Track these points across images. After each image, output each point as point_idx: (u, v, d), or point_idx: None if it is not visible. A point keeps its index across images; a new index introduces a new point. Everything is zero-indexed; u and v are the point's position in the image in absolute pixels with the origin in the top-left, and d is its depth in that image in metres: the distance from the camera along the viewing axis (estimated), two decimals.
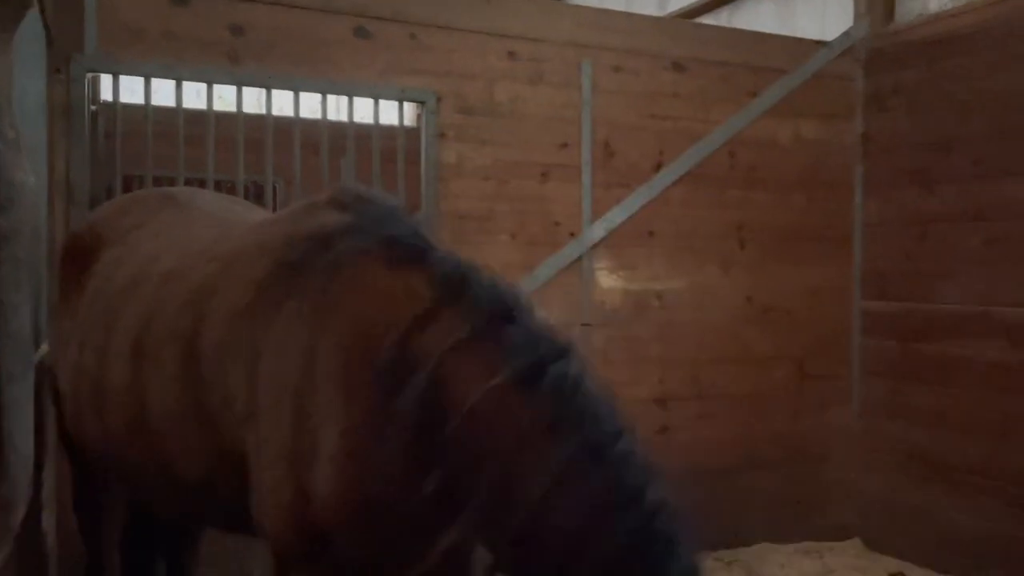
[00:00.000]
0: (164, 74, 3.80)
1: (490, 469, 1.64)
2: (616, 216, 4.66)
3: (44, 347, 2.91)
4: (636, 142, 4.74)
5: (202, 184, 3.87)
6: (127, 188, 3.97)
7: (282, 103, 4.14)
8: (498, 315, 1.77)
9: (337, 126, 4.24)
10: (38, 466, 2.44)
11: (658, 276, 4.79)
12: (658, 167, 4.79)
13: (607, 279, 4.67)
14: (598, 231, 4.63)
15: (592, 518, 1.59)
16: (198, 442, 2.04)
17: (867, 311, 5.19)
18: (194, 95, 4.05)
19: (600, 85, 4.64)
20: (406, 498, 1.74)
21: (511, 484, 1.62)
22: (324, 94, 4.08)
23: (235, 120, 3.96)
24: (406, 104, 4.32)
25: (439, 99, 4.28)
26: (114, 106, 3.76)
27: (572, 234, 4.58)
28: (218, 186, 3.87)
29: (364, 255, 1.88)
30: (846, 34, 5.21)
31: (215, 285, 2.07)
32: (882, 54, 5.10)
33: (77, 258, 2.64)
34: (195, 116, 3.96)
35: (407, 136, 4.28)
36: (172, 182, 3.85)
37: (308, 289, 1.88)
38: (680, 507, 1.66)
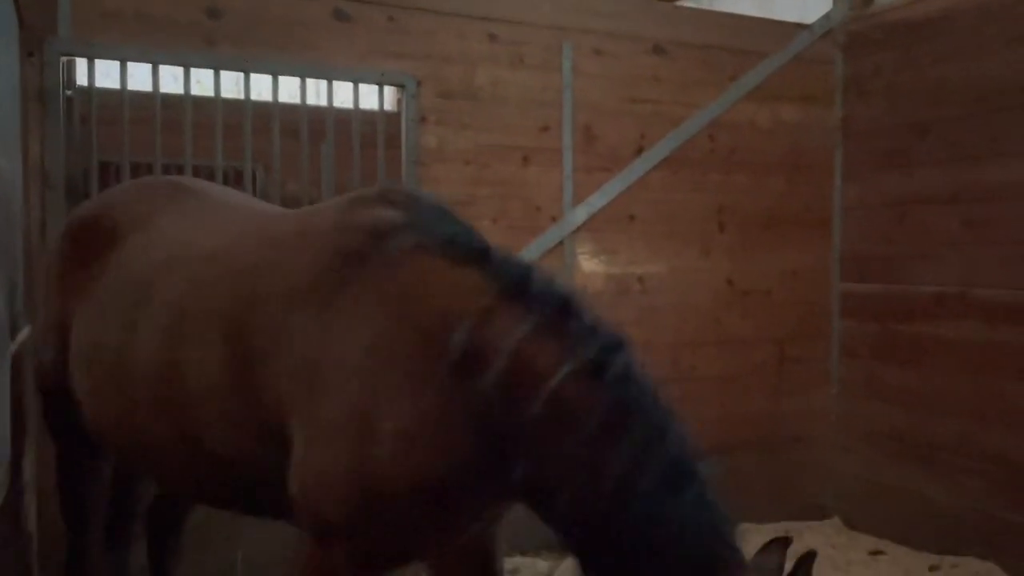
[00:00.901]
0: (140, 58, 3.76)
1: (578, 450, 1.77)
2: (597, 200, 4.67)
3: (25, 331, 2.89)
4: (617, 126, 4.74)
5: (180, 170, 3.84)
6: (103, 174, 3.93)
7: (260, 88, 4.10)
8: (559, 310, 1.89)
9: (317, 111, 4.20)
10: (17, 451, 2.42)
11: (639, 260, 4.80)
12: (639, 151, 4.79)
13: (588, 263, 4.68)
14: (579, 215, 4.63)
15: (662, 491, 1.76)
16: (237, 418, 2.09)
17: (846, 293, 5.24)
18: (171, 80, 4.00)
19: (581, 68, 4.64)
20: (465, 478, 1.89)
21: (597, 464, 1.76)
22: (303, 78, 4.05)
23: (213, 105, 3.93)
24: (386, 89, 4.29)
25: (419, 83, 4.26)
26: (89, 90, 3.72)
27: (553, 218, 4.58)
28: (196, 172, 3.83)
29: (427, 251, 1.97)
30: (826, 17, 5.23)
31: (264, 268, 2.13)
32: (861, 37, 5.12)
33: (89, 242, 2.63)
34: (172, 101, 3.91)
35: (387, 121, 4.26)
36: (149, 168, 3.82)
37: (372, 279, 1.96)
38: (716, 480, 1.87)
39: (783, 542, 1.87)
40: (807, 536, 4.90)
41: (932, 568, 4.40)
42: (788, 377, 5.18)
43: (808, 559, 1.81)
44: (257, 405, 2.05)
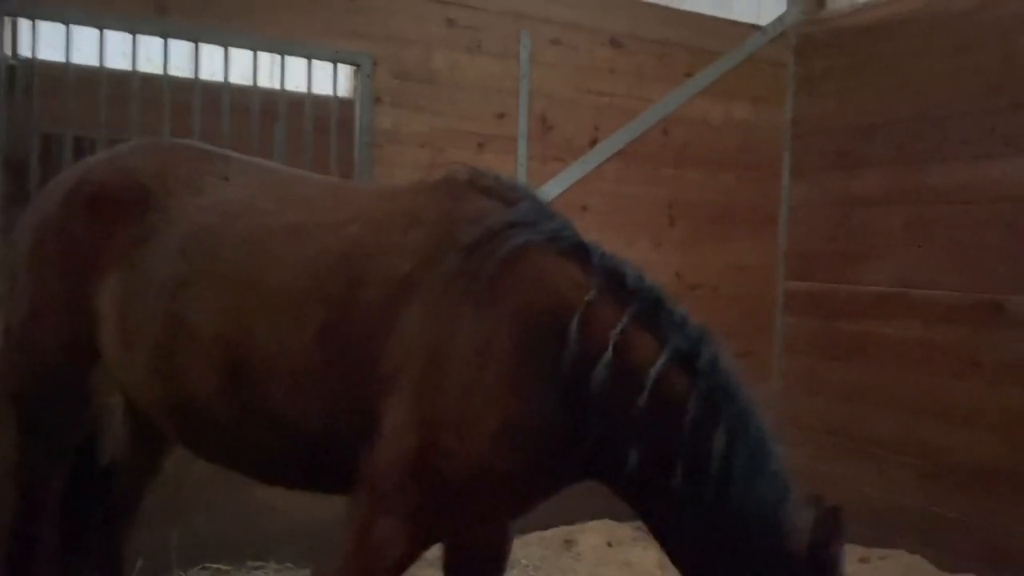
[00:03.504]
0: (87, 21, 3.64)
1: (682, 436, 1.96)
2: (551, 190, 4.67)
3: None
4: (572, 116, 4.75)
5: None
6: (45, 147, 3.79)
7: (213, 69, 4.00)
8: (652, 303, 2.07)
9: (270, 92, 4.12)
10: None
11: None
12: (593, 142, 4.81)
13: None
14: None
15: (752, 469, 1.98)
16: (325, 396, 2.12)
17: (790, 290, 5.34)
18: (120, 57, 3.88)
19: (538, 57, 4.63)
20: (562, 466, 2.07)
21: (700, 448, 1.96)
22: (255, 51, 3.96)
23: (161, 82, 3.81)
24: (341, 71, 4.23)
25: (375, 63, 4.21)
26: (32, 59, 3.59)
27: None
28: None
29: (536, 248, 2.09)
30: (779, 19, 5.32)
31: (370, 251, 2.15)
32: (813, 40, 5.22)
33: (115, 211, 2.44)
34: (120, 77, 3.78)
35: (342, 105, 4.20)
36: (92, 143, 3.71)
37: (481, 273, 2.04)
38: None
39: (836, 511, 2.01)
40: None
41: (862, 560, 4.51)
42: None
43: (834, 513, 2.00)
44: (352, 386, 2.09)
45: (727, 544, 2.00)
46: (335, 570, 2.10)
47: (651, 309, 2.06)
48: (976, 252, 4.27)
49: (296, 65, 4.13)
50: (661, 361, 1.98)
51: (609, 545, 4.54)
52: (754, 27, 5.30)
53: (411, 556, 2.11)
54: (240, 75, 4.06)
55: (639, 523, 4.79)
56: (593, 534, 4.62)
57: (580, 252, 2.13)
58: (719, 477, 1.96)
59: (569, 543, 4.53)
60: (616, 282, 2.08)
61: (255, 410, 2.21)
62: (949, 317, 4.37)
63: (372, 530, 2.06)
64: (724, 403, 2.00)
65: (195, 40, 3.84)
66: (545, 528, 4.58)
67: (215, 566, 3.86)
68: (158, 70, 3.87)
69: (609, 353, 1.97)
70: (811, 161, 5.21)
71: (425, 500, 2.03)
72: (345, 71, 4.40)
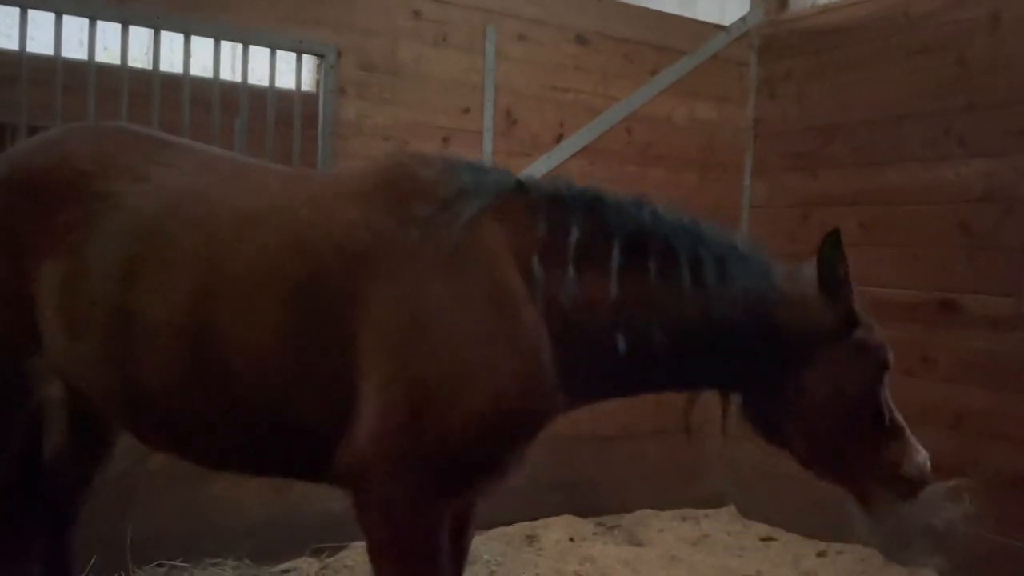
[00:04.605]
0: (42, 5, 3.54)
1: (655, 293, 2.21)
2: None
3: None
4: (538, 112, 4.76)
5: None
6: None
7: (172, 60, 3.92)
8: (589, 206, 2.25)
9: (231, 83, 4.06)
10: None
11: None
12: (559, 139, 4.82)
13: None
14: None
15: (720, 263, 2.25)
16: (298, 379, 2.13)
17: None
18: (76, 45, 3.80)
19: (504, 52, 4.63)
20: (553, 399, 2.19)
21: (672, 278, 2.21)
22: (217, 39, 3.90)
23: (119, 71, 3.73)
24: (305, 61, 4.18)
25: (339, 53, 4.16)
26: None
27: None
28: None
29: (486, 210, 2.20)
30: (742, 20, 5.38)
31: (322, 231, 2.18)
32: (775, 41, 5.29)
33: (50, 196, 2.37)
34: (76, 66, 3.69)
35: (305, 98, 4.15)
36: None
37: (445, 242, 2.13)
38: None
39: (835, 232, 2.25)
40: (704, 523, 5.05)
41: (820, 554, 4.59)
42: None
43: (833, 235, 2.25)
44: (322, 365, 2.12)
45: (744, 345, 2.23)
46: (387, 563, 2.14)
47: (592, 211, 2.25)
48: (931, 252, 4.37)
49: (259, 56, 4.07)
50: (616, 250, 2.17)
51: (571, 540, 4.56)
52: (717, 27, 5.35)
53: (442, 517, 2.18)
54: (201, 67, 4.00)
55: (601, 518, 4.86)
56: (555, 529, 4.63)
57: (521, 193, 2.29)
58: (697, 299, 2.19)
59: (531, 538, 4.53)
60: (557, 204, 2.25)
61: (216, 397, 2.20)
62: (904, 316, 4.45)
63: (395, 508, 2.11)
64: (678, 240, 2.23)
65: (155, 27, 3.76)
66: (508, 523, 4.57)
67: (171, 563, 3.79)
68: (116, 60, 3.78)
69: (571, 270, 2.15)
70: (772, 162, 5.28)
71: (433, 462, 2.09)
72: (309, 63, 4.35)
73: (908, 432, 2.37)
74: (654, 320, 2.19)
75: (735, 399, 2.43)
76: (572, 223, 2.21)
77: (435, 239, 2.14)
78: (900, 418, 2.38)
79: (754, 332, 2.24)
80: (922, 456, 2.34)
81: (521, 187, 2.31)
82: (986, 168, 4.14)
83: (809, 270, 2.31)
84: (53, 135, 2.65)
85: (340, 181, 2.41)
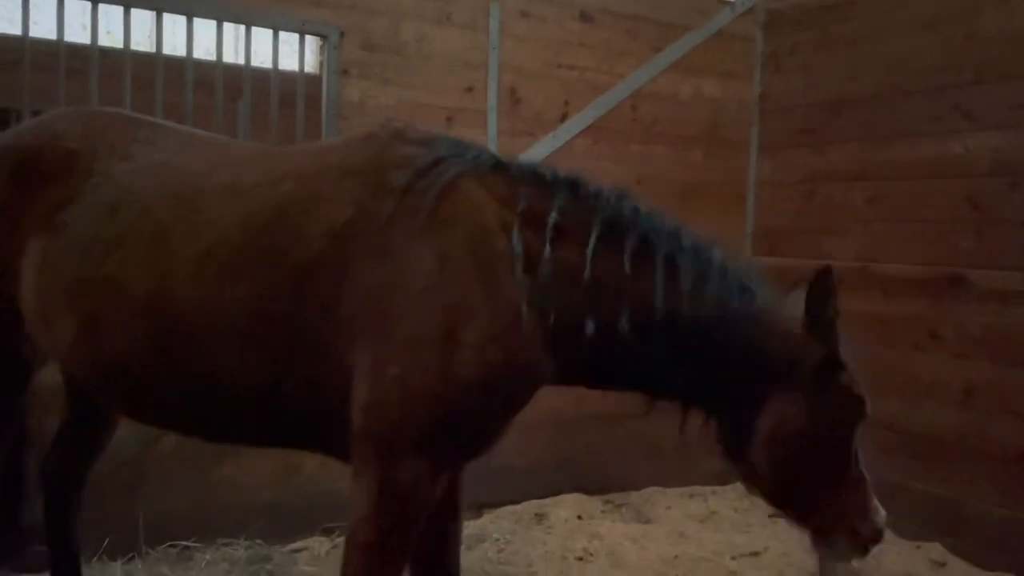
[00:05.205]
0: None
1: (629, 283, 2.18)
2: None
3: None
4: (542, 90, 4.73)
5: None
6: (2, 121, 3.70)
7: (175, 43, 3.91)
8: (570, 190, 2.26)
9: (234, 65, 4.05)
10: None
11: None
12: (563, 117, 4.80)
13: None
14: None
15: (698, 273, 2.21)
16: (286, 350, 2.16)
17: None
18: (79, 29, 3.79)
19: (508, 30, 4.59)
20: (536, 367, 2.18)
21: (645, 279, 2.19)
22: (220, 21, 3.88)
23: (122, 54, 3.71)
24: (307, 42, 4.16)
25: (342, 33, 4.14)
26: None
27: None
28: None
29: (461, 178, 2.22)
30: None
31: (302, 204, 2.21)
32: (780, 16, 5.24)
33: (38, 175, 2.45)
34: (79, 49, 3.68)
35: (308, 80, 4.13)
36: None
37: (421, 209, 2.15)
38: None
39: (827, 270, 2.20)
40: (711, 500, 5.06)
41: None
42: None
43: (825, 273, 2.19)
44: (305, 335, 2.15)
45: (713, 357, 2.19)
46: (368, 525, 2.15)
47: (571, 195, 2.26)
48: (938, 227, 4.34)
49: (261, 37, 4.05)
50: (594, 235, 2.18)
51: (579, 518, 4.58)
52: (723, 2, 5.30)
53: (434, 488, 2.20)
54: (204, 49, 3.98)
55: (609, 496, 4.88)
56: (564, 507, 4.65)
57: (501, 169, 2.31)
58: (676, 301, 2.16)
59: (540, 516, 4.55)
60: (537, 184, 2.27)
61: (194, 369, 2.24)
62: (911, 291, 4.45)
63: (387, 479, 2.12)
64: (655, 238, 2.22)
65: (158, 10, 3.74)
66: (516, 502, 4.60)
67: (183, 543, 3.82)
68: (119, 44, 3.77)
69: (547, 249, 2.16)
70: (778, 138, 5.25)
71: (426, 426, 2.10)
72: (312, 44, 4.33)
73: (871, 490, 2.29)
74: (622, 310, 2.17)
75: (702, 416, 2.35)
76: (552, 204, 2.22)
77: (413, 204, 2.16)
78: (867, 475, 2.30)
79: (726, 348, 2.18)
80: (880, 517, 2.26)
81: (500, 164, 2.32)
82: (994, 142, 4.11)
83: (799, 301, 2.22)
84: (42, 118, 2.73)
85: (319, 155, 2.42)
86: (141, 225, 2.29)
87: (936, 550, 4.19)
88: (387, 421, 2.10)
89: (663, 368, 2.22)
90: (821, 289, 2.18)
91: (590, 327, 2.14)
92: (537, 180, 2.28)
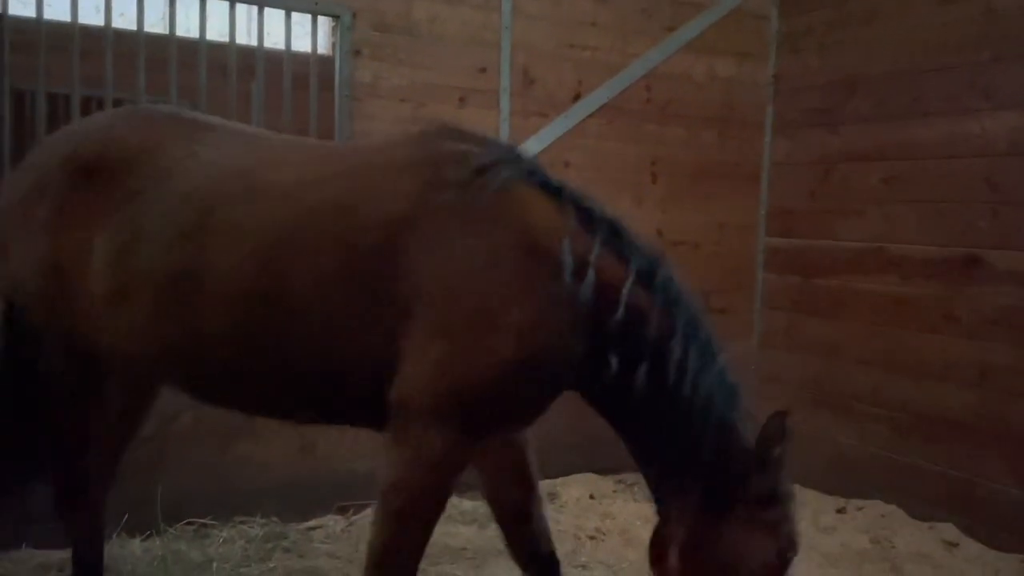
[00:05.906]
0: None
1: (649, 343, 2.29)
2: (533, 145, 4.64)
3: None
4: (555, 71, 4.71)
5: (100, 103, 3.67)
6: (18, 104, 3.72)
7: (188, 25, 3.92)
8: (613, 230, 2.37)
9: (247, 47, 4.05)
10: None
11: None
12: (576, 97, 4.78)
13: None
14: None
15: (701, 367, 2.31)
16: (349, 332, 2.30)
17: (771, 247, 5.37)
18: (93, 12, 3.80)
19: (521, 10, 4.57)
20: (563, 365, 2.31)
21: (664, 351, 2.29)
22: (232, 3, 3.89)
23: (136, 36, 3.73)
24: (321, 26, 4.16)
25: (355, 14, 4.13)
26: (3, 15, 3.50)
27: None
28: (117, 105, 3.65)
29: (518, 182, 2.36)
30: None
31: (362, 197, 2.35)
32: None
33: (103, 174, 2.55)
34: (94, 31, 3.70)
35: (321, 61, 4.13)
36: (66, 98, 3.65)
37: (477, 205, 2.29)
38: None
39: (782, 414, 2.31)
40: None
41: (839, 511, 4.61)
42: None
43: (780, 417, 2.29)
44: (369, 321, 2.29)
45: (684, 439, 2.31)
46: (400, 491, 2.29)
47: (614, 235, 2.37)
48: (955, 207, 4.31)
49: (274, 19, 4.05)
50: (630, 280, 2.30)
51: (591, 497, 4.61)
52: None
53: (464, 459, 2.37)
54: (217, 31, 3.99)
55: (621, 476, 4.90)
56: (576, 487, 4.68)
57: (551, 188, 2.41)
58: (676, 378, 2.29)
59: (552, 496, 4.58)
60: (583, 213, 2.37)
61: (266, 351, 2.38)
62: (927, 272, 4.42)
63: (423, 447, 2.26)
64: (679, 314, 2.33)
65: None
66: None
67: (200, 521, 3.88)
68: (132, 26, 3.79)
69: (592, 275, 2.27)
70: (793, 118, 5.21)
71: (465, 399, 2.24)
72: (324, 25, 4.32)
73: None
74: (641, 362, 2.28)
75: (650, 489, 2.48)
76: (596, 232, 2.34)
77: (470, 198, 2.29)
78: None
79: (698, 442, 2.30)
80: None
81: (550, 181, 2.42)
82: (1012, 121, 4.06)
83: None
84: (101, 120, 2.83)
85: (377, 152, 2.57)
86: (213, 217, 2.40)
87: (950, 531, 4.18)
88: (429, 393, 2.24)
89: (644, 426, 2.37)
90: (774, 432, 2.28)
91: (614, 363, 2.28)
92: (583, 210, 2.38)
